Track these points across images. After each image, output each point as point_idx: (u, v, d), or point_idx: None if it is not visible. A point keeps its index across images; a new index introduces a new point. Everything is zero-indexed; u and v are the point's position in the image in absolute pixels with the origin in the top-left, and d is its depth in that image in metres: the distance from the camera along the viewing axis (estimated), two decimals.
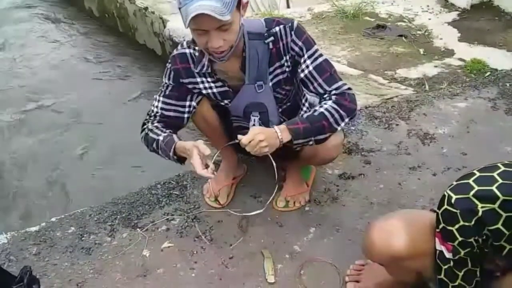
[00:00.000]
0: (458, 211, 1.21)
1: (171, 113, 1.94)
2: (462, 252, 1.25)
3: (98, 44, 5.19)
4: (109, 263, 1.97)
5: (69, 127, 3.82)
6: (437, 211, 1.27)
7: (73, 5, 6.11)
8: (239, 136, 1.67)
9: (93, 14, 5.69)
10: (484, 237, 1.22)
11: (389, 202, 2.18)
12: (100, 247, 2.05)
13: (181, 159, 1.85)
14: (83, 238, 2.09)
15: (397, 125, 2.69)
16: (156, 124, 1.93)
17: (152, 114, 1.96)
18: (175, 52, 1.92)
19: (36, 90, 4.38)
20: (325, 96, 1.80)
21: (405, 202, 2.17)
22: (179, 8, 1.61)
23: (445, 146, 2.53)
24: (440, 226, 1.26)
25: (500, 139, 2.55)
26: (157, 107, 1.94)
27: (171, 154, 1.81)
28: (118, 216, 2.19)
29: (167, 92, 1.93)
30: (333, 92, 1.79)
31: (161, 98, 1.94)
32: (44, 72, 4.71)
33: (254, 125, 1.90)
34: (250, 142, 1.65)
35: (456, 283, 1.31)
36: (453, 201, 1.21)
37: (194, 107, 1.97)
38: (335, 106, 1.75)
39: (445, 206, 1.23)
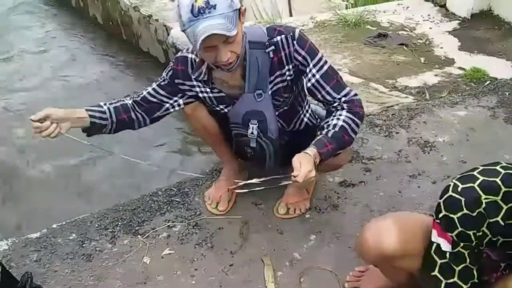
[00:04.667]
0: (463, 199, 1.21)
1: (154, 99, 1.99)
2: (461, 245, 1.25)
3: (101, 51, 5.22)
4: (110, 270, 1.98)
5: (70, 132, 3.84)
6: (439, 200, 1.27)
7: (77, 12, 6.14)
8: (293, 173, 1.65)
9: (97, 21, 5.73)
10: (481, 233, 1.23)
11: (389, 209, 2.19)
12: (100, 253, 2.06)
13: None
14: (84, 245, 2.10)
15: (397, 133, 2.70)
16: (128, 101, 2.00)
17: (136, 95, 2.02)
18: (179, 54, 1.97)
19: (37, 95, 4.40)
20: (335, 104, 1.84)
21: (405, 210, 2.16)
22: (183, 31, 1.65)
23: (444, 154, 2.54)
24: (441, 215, 1.25)
25: (499, 147, 2.56)
26: (145, 90, 2.01)
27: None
28: (119, 223, 2.20)
29: (161, 83, 1.99)
30: (343, 99, 1.83)
31: (153, 85, 2.01)
32: (45, 79, 4.72)
33: (252, 133, 1.93)
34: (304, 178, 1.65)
35: (451, 281, 1.29)
36: (459, 189, 1.22)
37: (179, 105, 2.01)
38: (350, 116, 1.80)
39: (450, 193, 1.23)
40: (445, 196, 1.25)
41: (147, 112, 2.01)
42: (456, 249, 1.26)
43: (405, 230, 1.41)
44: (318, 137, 1.77)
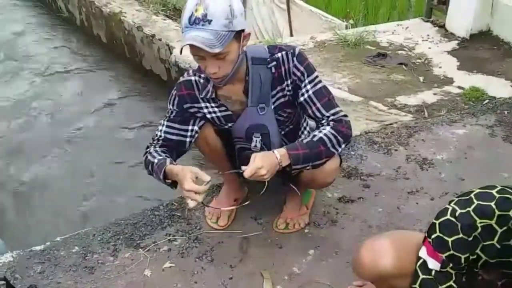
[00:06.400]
0: (459, 224, 1.24)
1: (174, 137, 2.00)
2: (450, 265, 1.28)
3: (105, 69, 5.31)
4: (112, 282, 2.01)
5: (75, 149, 3.90)
6: (434, 221, 1.30)
7: (81, 32, 6.26)
8: (243, 167, 1.72)
9: (101, 40, 5.83)
10: (476, 256, 1.26)
11: (388, 225, 2.22)
12: (103, 266, 2.08)
13: (173, 183, 1.88)
14: (86, 258, 2.13)
15: (396, 150, 2.74)
16: (157, 148, 1.98)
17: (156, 138, 2.02)
18: (181, 79, 2.00)
19: (43, 113, 4.47)
20: (322, 121, 1.87)
21: (403, 226, 2.20)
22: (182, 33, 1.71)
23: (443, 171, 2.57)
24: (434, 235, 1.28)
25: (497, 166, 2.60)
26: (161, 131, 2.00)
27: (161, 176, 1.85)
28: (121, 236, 2.23)
29: (171, 117, 2.00)
30: (331, 117, 1.86)
31: (165, 123, 2.01)
32: (51, 96, 4.81)
33: (255, 146, 1.97)
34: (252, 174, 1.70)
35: None
36: (457, 214, 1.25)
37: (197, 132, 2.02)
38: (333, 132, 1.82)
39: (448, 217, 1.26)
40: (442, 219, 1.28)
41: (174, 152, 2.01)
42: (445, 269, 1.29)
43: (401, 250, 1.43)
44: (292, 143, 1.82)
